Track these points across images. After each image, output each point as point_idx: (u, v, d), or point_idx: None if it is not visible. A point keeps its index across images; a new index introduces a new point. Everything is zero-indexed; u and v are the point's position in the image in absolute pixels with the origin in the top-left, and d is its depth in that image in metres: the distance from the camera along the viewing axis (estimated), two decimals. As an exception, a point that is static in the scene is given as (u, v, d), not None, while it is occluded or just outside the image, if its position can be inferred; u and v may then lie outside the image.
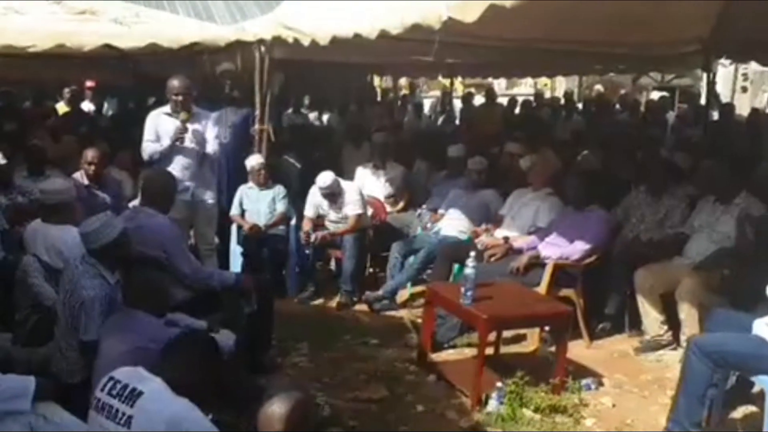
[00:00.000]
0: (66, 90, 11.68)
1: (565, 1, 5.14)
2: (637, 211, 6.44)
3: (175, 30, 7.32)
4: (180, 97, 6.28)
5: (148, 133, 6.40)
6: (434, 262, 6.64)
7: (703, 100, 13.16)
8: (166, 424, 2.93)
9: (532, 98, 15.46)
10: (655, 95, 14.15)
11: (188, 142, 6.33)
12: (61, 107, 11.23)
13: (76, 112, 10.97)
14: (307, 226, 7.15)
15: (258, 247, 6.99)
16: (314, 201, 7.24)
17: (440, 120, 14.41)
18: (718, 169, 6.02)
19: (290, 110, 12.03)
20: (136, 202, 6.01)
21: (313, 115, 12.77)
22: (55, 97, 11.85)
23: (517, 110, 14.27)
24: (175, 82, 6.34)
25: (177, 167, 6.30)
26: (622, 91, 15.96)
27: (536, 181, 6.76)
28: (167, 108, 6.44)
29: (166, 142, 6.29)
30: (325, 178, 7.04)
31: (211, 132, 6.50)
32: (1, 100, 10.74)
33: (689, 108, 13.50)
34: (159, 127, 6.38)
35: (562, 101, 14.69)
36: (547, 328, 5.74)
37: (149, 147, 6.35)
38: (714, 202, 5.91)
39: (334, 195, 7.10)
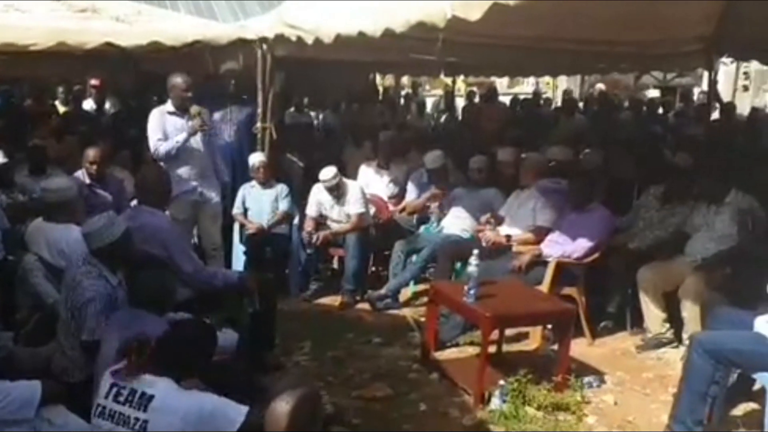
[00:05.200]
0: (60, 89, 11.69)
1: (568, 1, 5.12)
2: (646, 214, 6.43)
3: (176, 28, 7.31)
4: (189, 93, 6.33)
5: (155, 132, 6.36)
6: (436, 261, 6.65)
7: (697, 99, 13.19)
8: (181, 420, 2.94)
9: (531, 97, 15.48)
10: (653, 93, 14.13)
11: (200, 138, 6.36)
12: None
13: (78, 111, 10.95)
14: (309, 226, 7.14)
15: (261, 246, 6.99)
16: (316, 199, 7.23)
17: (443, 118, 14.39)
18: (705, 177, 6.07)
19: (292, 109, 12.01)
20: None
21: (313, 114, 12.77)
22: (53, 95, 11.85)
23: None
24: (179, 80, 6.36)
25: (185, 167, 6.33)
26: (619, 92, 15.94)
27: (526, 179, 6.74)
28: (169, 106, 6.44)
29: (180, 137, 6.30)
30: (328, 171, 7.05)
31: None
32: (2, 98, 10.74)
33: (686, 106, 13.50)
34: (166, 125, 6.37)
35: (559, 102, 14.66)
36: (549, 326, 5.75)
37: (163, 145, 6.31)
38: (708, 204, 5.95)
39: (337, 190, 7.10)
